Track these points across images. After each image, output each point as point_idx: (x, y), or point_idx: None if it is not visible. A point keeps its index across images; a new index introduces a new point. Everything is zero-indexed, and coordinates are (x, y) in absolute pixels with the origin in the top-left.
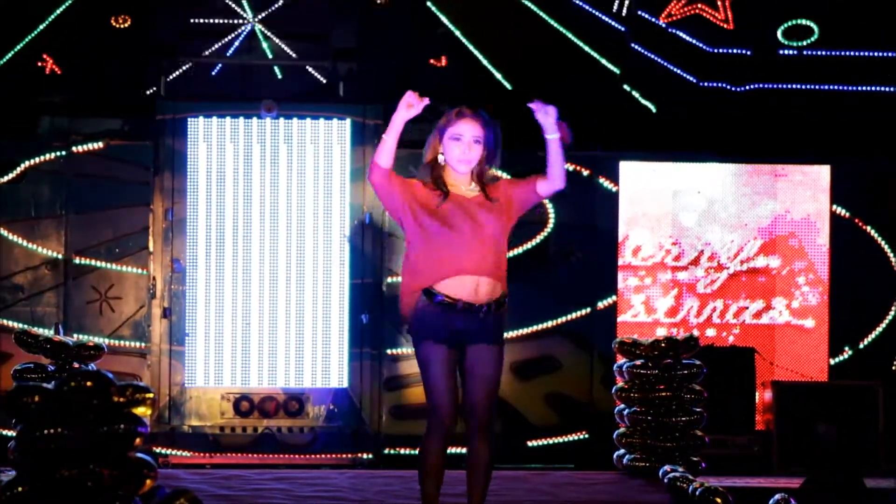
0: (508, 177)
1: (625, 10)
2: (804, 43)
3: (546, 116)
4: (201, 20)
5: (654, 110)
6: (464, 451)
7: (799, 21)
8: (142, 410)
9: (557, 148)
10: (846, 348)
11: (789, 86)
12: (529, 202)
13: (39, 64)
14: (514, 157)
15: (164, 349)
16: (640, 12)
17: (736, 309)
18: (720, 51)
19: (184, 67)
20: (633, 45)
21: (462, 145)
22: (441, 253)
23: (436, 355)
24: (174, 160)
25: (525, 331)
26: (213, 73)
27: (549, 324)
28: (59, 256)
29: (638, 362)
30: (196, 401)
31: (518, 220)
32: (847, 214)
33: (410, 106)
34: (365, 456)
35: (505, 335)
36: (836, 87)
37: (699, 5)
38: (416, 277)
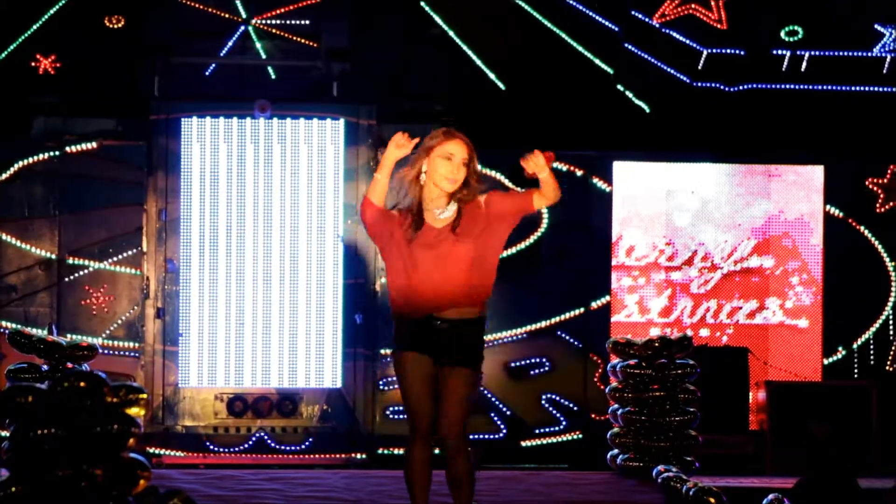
0: (503, 178)
1: (618, 10)
2: (794, 40)
3: (538, 167)
4: (195, 20)
5: (647, 110)
6: None
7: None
8: (135, 411)
9: (549, 177)
10: (840, 348)
11: (783, 86)
12: (521, 213)
13: (33, 64)
14: (507, 156)
15: (157, 349)
16: (633, 12)
17: (729, 309)
18: (713, 51)
19: (177, 67)
20: (626, 45)
21: (452, 165)
22: (408, 291)
23: (410, 363)
24: (167, 160)
25: (519, 331)
26: (207, 74)
27: (543, 324)
28: (53, 256)
29: (632, 362)
30: (189, 401)
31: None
32: (840, 214)
33: (400, 146)
34: (358, 456)
35: (499, 335)
36: (829, 88)
37: (692, 5)
38: (394, 307)
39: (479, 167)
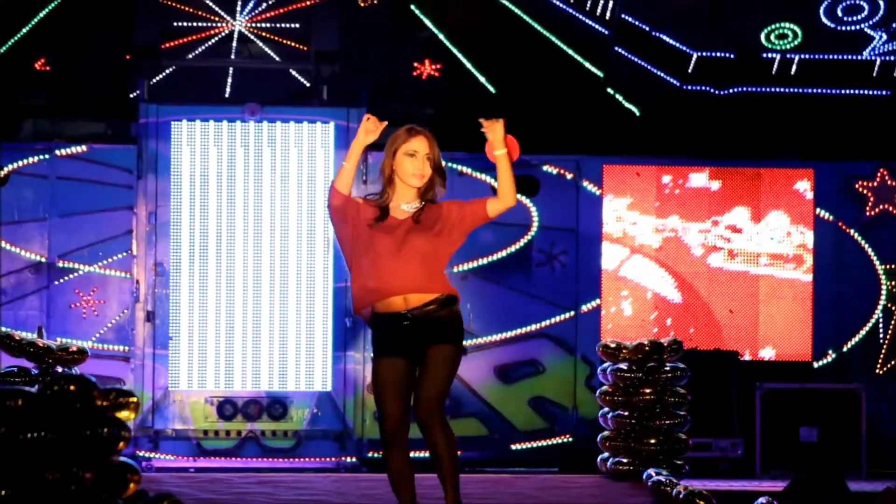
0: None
1: (608, 14)
2: (787, 46)
3: (494, 133)
4: (184, 23)
5: (637, 113)
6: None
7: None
8: (125, 414)
9: (506, 164)
10: (829, 351)
11: (772, 89)
12: (475, 222)
13: (22, 66)
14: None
15: (147, 353)
16: (623, 15)
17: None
18: (703, 54)
19: (167, 70)
20: (616, 48)
21: (416, 161)
22: (367, 280)
23: (384, 367)
24: (157, 163)
25: (508, 334)
26: (196, 77)
27: (533, 327)
28: (43, 260)
29: (622, 365)
30: (179, 404)
31: (492, 226)
32: (830, 217)
33: (370, 131)
34: (348, 459)
35: (488, 338)
36: (819, 91)
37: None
38: (355, 303)
39: (441, 160)
